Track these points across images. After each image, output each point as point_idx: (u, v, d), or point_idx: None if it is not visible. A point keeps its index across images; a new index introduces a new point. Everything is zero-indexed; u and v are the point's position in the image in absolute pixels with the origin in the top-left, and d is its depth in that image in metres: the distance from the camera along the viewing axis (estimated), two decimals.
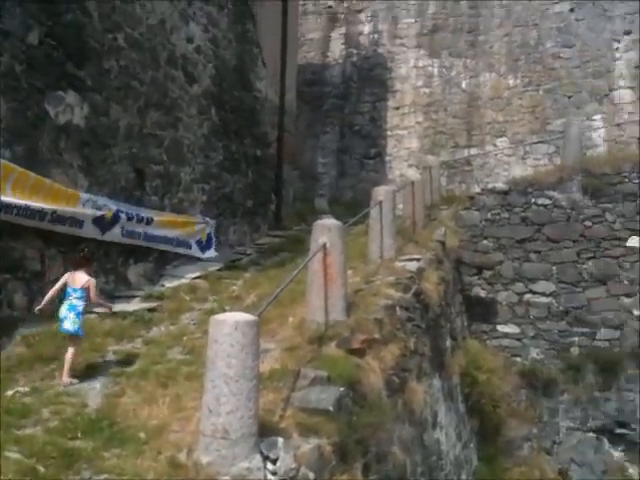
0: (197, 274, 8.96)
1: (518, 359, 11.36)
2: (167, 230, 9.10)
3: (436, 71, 16.58)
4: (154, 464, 3.88)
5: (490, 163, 16.06)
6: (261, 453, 3.77)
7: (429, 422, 7.12)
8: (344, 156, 17.08)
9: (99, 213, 7.65)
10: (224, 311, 6.03)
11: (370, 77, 17.03)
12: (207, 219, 10.18)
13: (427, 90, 16.61)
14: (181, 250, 9.48)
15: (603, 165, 11.78)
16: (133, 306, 7.42)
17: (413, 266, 8.10)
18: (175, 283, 8.59)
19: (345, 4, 17.47)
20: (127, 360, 5.97)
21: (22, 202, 6.45)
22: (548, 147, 15.31)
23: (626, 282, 11.12)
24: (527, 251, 11.66)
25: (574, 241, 11.41)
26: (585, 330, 11.19)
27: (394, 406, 5.82)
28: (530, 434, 10.82)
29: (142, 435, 4.34)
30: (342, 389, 4.78)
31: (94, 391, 5.31)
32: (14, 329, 6.37)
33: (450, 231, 11.36)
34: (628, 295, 11.09)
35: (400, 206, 10.70)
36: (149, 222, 8.61)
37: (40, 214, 6.75)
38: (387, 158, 16.85)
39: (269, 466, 3.77)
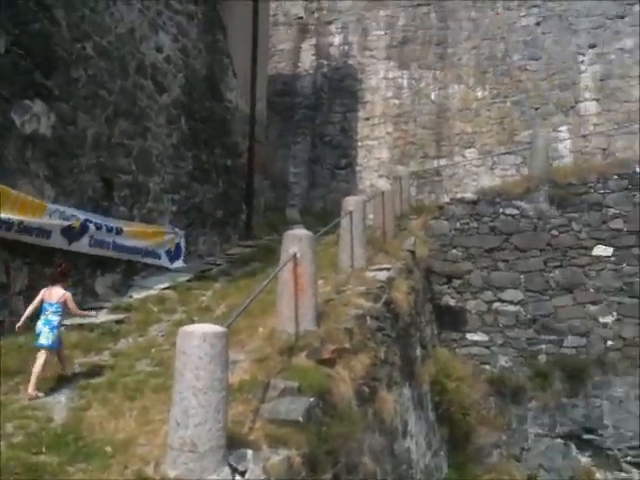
0: (166, 285, 8.89)
1: (487, 367, 11.47)
2: (136, 240, 9.02)
3: (406, 82, 16.76)
4: (120, 478, 3.83)
5: (459, 173, 16.25)
6: (230, 466, 3.73)
7: (399, 431, 7.14)
8: (315, 166, 17.15)
9: (66, 223, 7.56)
10: (193, 322, 5.98)
11: (341, 88, 17.15)
12: (176, 229, 10.13)
13: (397, 101, 16.78)
14: (150, 260, 9.40)
15: (569, 176, 12.00)
16: (101, 318, 7.32)
17: (383, 276, 8.14)
18: (143, 294, 8.50)
19: (315, 15, 17.58)
20: (94, 373, 5.89)
21: None
22: (515, 158, 15.56)
23: (592, 290, 11.31)
24: (495, 260, 11.79)
25: (541, 250, 11.58)
26: (552, 338, 11.35)
27: (364, 416, 5.82)
28: (499, 441, 10.92)
29: (108, 449, 4.28)
30: (312, 399, 4.76)
31: (60, 405, 5.22)
32: None
33: (420, 241, 11.44)
34: (594, 303, 11.29)
35: (370, 216, 10.75)
36: (118, 232, 8.54)
37: (7, 225, 6.65)
38: (358, 168, 16.95)
39: (238, 478, 3.74)
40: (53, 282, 5.73)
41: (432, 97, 16.57)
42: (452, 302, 11.87)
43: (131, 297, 8.44)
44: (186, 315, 7.52)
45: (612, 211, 11.36)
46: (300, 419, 4.47)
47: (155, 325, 7.39)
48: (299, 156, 17.25)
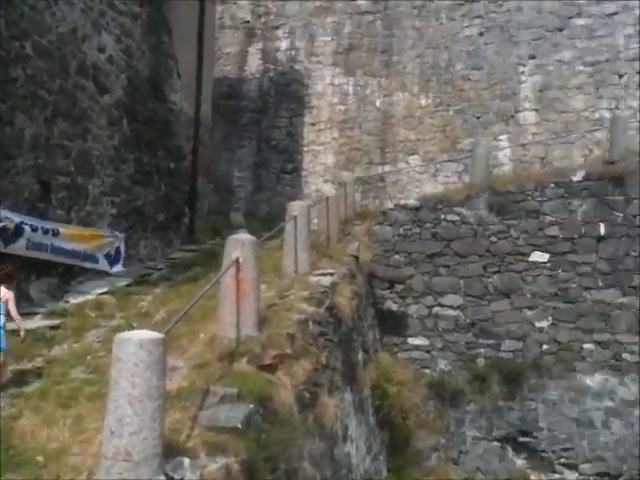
0: (104, 290, 8.70)
1: (427, 371, 11.65)
2: (75, 243, 8.82)
3: (351, 89, 16.89)
4: None
5: (403, 180, 16.46)
6: (166, 475, 3.68)
7: (339, 436, 7.17)
8: (261, 170, 17.10)
9: (0, 225, 7.32)
10: (132, 328, 5.87)
11: (287, 93, 17.16)
12: (116, 233, 9.93)
13: (342, 107, 16.90)
14: (88, 264, 9.19)
15: (508, 183, 12.27)
16: (35, 323, 7.12)
17: (327, 281, 8.18)
18: (80, 299, 8.31)
19: (262, 20, 17.55)
20: (26, 380, 5.71)
21: None
22: (457, 165, 15.86)
23: (529, 295, 11.62)
24: (437, 265, 11.99)
25: (480, 256, 11.83)
26: (490, 342, 11.61)
27: (305, 421, 5.83)
28: (438, 444, 11.11)
29: (40, 459, 4.16)
30: (252, 406, 4.75)
31: None
32: None
33: (364, 246, 11.54)
34: (530, 308, 11.60)
35: (315, 221, 10.81)
36: (55, 234, 8.32)
37: None
38: (303, 173, 16.99)
39: None
40: None
41: (377, 104, 16.75)
42: (394, 307, 12.01)
43: (67, 302, 8.23)
44: (124, 321, 7.38)
45: (548, 218, 11.70)
46: (239, 426, 4.44)
47: (92, 331, 7.22)
48: (244, 160, 17.17)
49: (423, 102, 16.50)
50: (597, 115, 15.49)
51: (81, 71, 9.30)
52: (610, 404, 11.14)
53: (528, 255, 11.68)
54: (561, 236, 11.60)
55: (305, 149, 16.94)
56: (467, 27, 16.42)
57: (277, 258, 8.52)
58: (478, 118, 16.19)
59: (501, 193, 11.92)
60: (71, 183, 9.04)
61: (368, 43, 16.88)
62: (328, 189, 15.33)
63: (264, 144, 17.17)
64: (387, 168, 16.49)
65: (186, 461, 3.86)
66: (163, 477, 3.66)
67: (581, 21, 15.84)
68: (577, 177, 11.76)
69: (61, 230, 8.43)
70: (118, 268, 9.79)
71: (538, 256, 11.66)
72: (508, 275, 11.69)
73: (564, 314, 11.45)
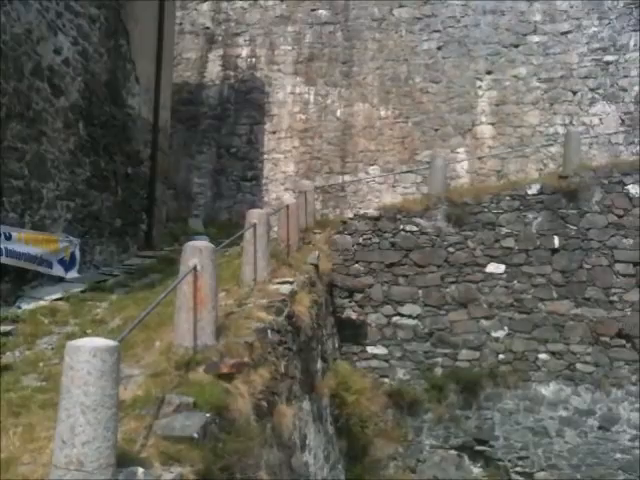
0: (58, 295, 8.48)
1: (386, 380, 11.69)
2: (28, 248, 8.58)
3: (312, 98, 16.95)
4: None
5: (363, 190, 16.56)
6: None
7: (297, 445, 7.12)
8: (220, 177, 16.99)
9: None
10: (86, 335, 5.74)
11: (247, 100, 17.12)
12: (71, 238, 9.70)
13: (303, 116, 16.93)
14: (42, 269, 8.95)
15: (465, 195, 12.45)
16: None
17: (286, 289, 8.13)
18: (33, 305, 8.07)
19: (223, 27, 17.49)
20: None
21: None
22: (416, 176, 16.05)
23: (485, 305, 11.79)
24: (396, 275, 12.07)
25: (438, 266, 11.96)
26: (448, 351, 11.73)
27: (262, 430, 5.76)
28: (396, 453, 11.14)
29: None
30: (208, 415, 4.67)
31: None
32: None
33: (323, 255, 11.55)
34: (487, 318, 11.76)
35: (275, 229, 10.78)
36: (8, 238, 8.09)
37: None
38: (264, 181, 16.95)
39: None
40: None
41: (337, 114, 16.84)
42: (353, 316, 12.02)
43: (19, 308, 7.99)
44: (79, 328, 7.19)
45: (504, 230, 11.90)
46: (195, 435, 4.37)
47: (45, 338, 7.02)
48: (204, 166, 17.04)
49: (383, 113, 16.65)
50: (551, 130, 15.88)
51: (36, 73, 9.08)
52: (564, 413, 11.36)
53: (485, 266, 11.86)
54: (516, 248, 11.82)
55: (265, 157, 16.91)
56: (426, 41, 16.66)
57: (236, 266, 8.45)
58: (436, 130, 16.42)
59: (458, 205, 12.08)
60: (25, 187, 8.80)
61: (329, 53, 16.98)
62: (288, 197, 15.32)
63: (224, 151, 17.07)
64: (347, 178, 16.58)
65: (140, 471, 3.76)
66: None
67: (536, 38, 16.25)
68: (532, 190, 12.01)
69: (14, 234, 8.21)
70: (73, 274, 9.57)
71: (494, 267, 11.84)
72: (465, 285, 11.84)
73: (519, 324, 11.64)
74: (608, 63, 15.92)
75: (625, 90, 15.78)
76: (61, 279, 9.30)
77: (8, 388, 5.50)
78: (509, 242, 11.87)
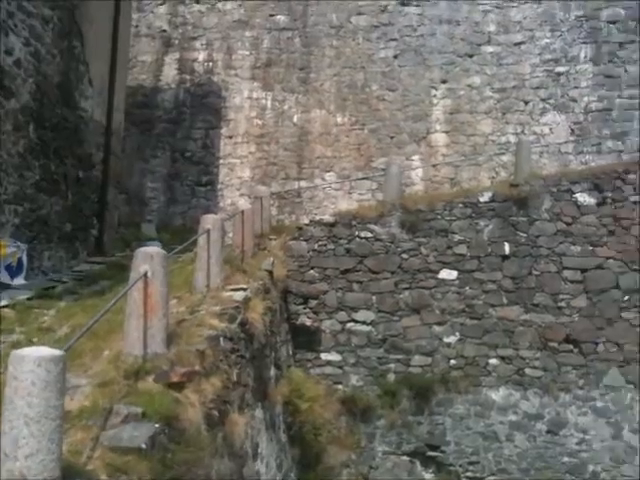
0: (3, 303, 8.22)
1: (339, 386, 11.72)
2: None
3: (269, 104, 16.92)
4: None
5: (319, 196, 16.60)
6: None
7: (249, 454, 7.07)
8: (175, 182, 16.80)
9: None
10: (31, 344, 5.59)
11: (203, 104, 16.98)
12: (19, 243, 9.46)
13: (260, 122, 16.89)
14: None
15: (419, 202, 12.60)
16: None
17: (240, 296, 8.08)
18: None
19: (180, 30, 17.33)
20: None
21: None
22: (371, 183, 16.16)
23: (437, 312, 11.94)
24: (350, 281, 12.13)
25: (392, 272, 12.07)
26: (401, 357, 11.84)
27: (213, 440, 5.71)
28: (349, 460, 11.17)
29: None
30: (157, 425, 4.60)
31: None
32: None
33: (278, 261, 11.52)
34: (439, 324, 11.92)
35: (230, 235, 10.71)
36: None
37: None
38: (219, 186, 16.83)
39: None
40: None
41: (294, 120, 16.85)
42: (308, 322, 12.03)
43: None
44: (24, 336, 6.99)
45: (457, 237, 12.09)
46: (143, 446, 4.30)
47: None
48: (158, 171, 16.82)
49: (339, 120, 16.74)
50: (504, 139, 16.20)
51: None
52: (514, 418, 11.58)
53: (437, 272, 12.02)
54: (468, 254, 12.02)
55: (221, 162, 16.80)
56: (383, 49, 16.82)
57: (189, 272, 8.36)
58: (392, 138, 16.58)
59: (412, 212, 12.22)
60: None
61: (287, 59, 16.99)
62: (244, 203, 15.24)
63: (179, 155, 16.89)
64: (303, 184, 16.59)
65: None
66: None
67: (490, 49, 16.57)
68: (484, 198, 12.24)
69: None
70: (20, 280, 9.32)
71: (447, 273, 12.02)
72: (418, 291, 11.98)
73: (471, 330, 11.83)
74: (559, 74, 16.34)
75: (575, 101, 16.22)
76: (7, 286, 9.05)
77: None
78: (461, 249, 12.06)
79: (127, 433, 4.39)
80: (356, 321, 12.01)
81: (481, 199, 12.24)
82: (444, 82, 16.62)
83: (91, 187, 12.07)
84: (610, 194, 12.03)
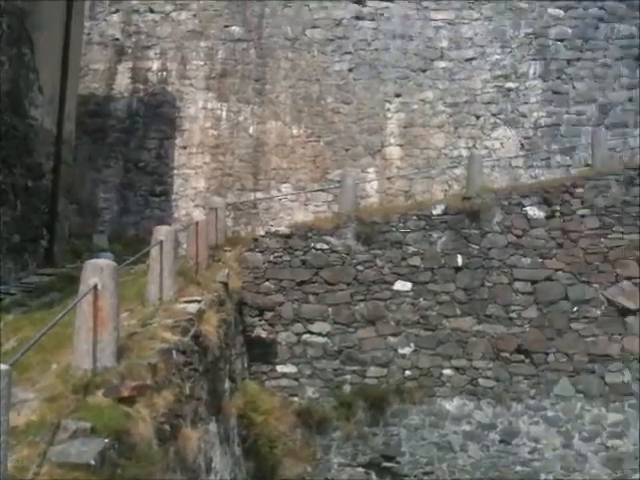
0: None
1: (295, 398, 11.68)
2: None
3: (224, 114, 16.85)
4: None
5: (275, 207, 16.57)
6: None
7: (203, 468, 6.97)
8: (128, 192, 16.53)
9: None
10: None
11: (157, 114, 16.79)
12: None
13: (215, 132, 16.79)
14: None
15: (374, 215, 12.71)
16: None
17: (193, 308, 7.98)
18: None
19: (133, 39, 17.14)
20: None
21: None
22: (327, 195, 16.21)
23: (392, 323, 12.03)
24: (306, 293, 12.13)
25: (348, 284, 12.12)
26: (356, 368, 11.87)
27: (165, 455, 5.60)
28: (304, 472, 11.11)
29: None
30: (107, 441, 4.50)
31: None
32: None
33: (234, 272, 11.44)
34: (394, 335, 12.00)
35: (184, 246, 10.59)
36: None
37: None
38: (173, 197, 16.63)
39: None
40: None
41: (250, 131, 16.81)
42: (263, 334, 11.97)
43: None
44: None
45: (411, 249, 12.23)
46: (92, 462, 4.19)
47: None
48: (110, 180, 16.53)
49: (295, 132, 16.78)
50: (456, 153, 16.48)
51: None
52: (467, 428, 11.71)
53: (392, 284, 12.13)
54: (422, 266, 12.16)
55: (176, 172, 16.61)
56: (338, 62, 16.96)
57: (142, 284, 8.22)
58: (347, 150, 16.69)
59: (368, 224, 12.32)
60: None
61: (242, 70, 16.96)
62: (199, 214, 15.11)
63: (132, 165, 16.64)
64: (259, 195, 16.54)
65: None
66: None
67: (443, 64, 16.88)
68: (437, 211, 12.43)
69: None
70: None
71: (401, 285, 12.13)
72: (374, 303, 12.05)
73: (425, 341, 11.95)
74: (509, 90, 16.75)
75: (525, 116, 16.64)
76: None
77: None
78: (415, 260, 12.19)
79: (75, 449, 4.29)
80: (312, 333, 12.00)
81: (434, 212, 12.42)
82: (398, 96, 16.84)
83: (41, 197, 11.77)
84: (559, 208, 12.35)
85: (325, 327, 12.01)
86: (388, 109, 16.78)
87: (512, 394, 11.79)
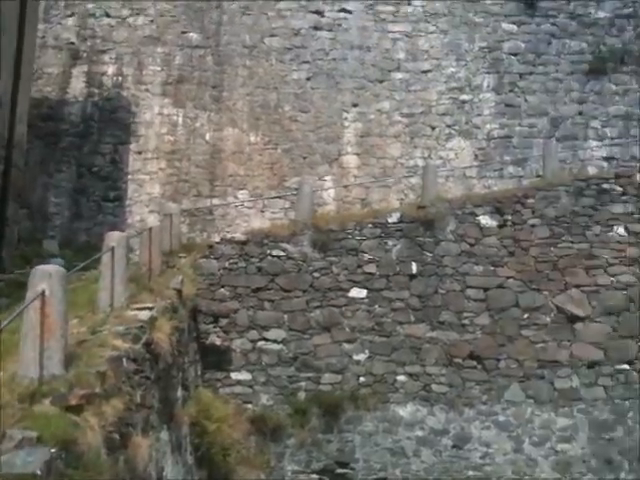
0: None
1: (249, 406, 11.63)
2: None
3: (181, 120, 16.73)
4: None
5: (231, 214, 16.51)
6: None
7: (153, 478, 6.88)
8: (80, 197, 16.24)
9: None
10: None
11: (112, 119, 16.57)
12: None
13: (171, 138, 16.65)
14: None
15: (331, 222, 12.78)
16: None
17: (145, 315, 7.91)
18: None
19: (88, 43, 16.90)
20: None
21: None
22: (284, 202, 16.23)
23: (347, 329, 12.09)
24: (261, 300, 12.11)
25: (304, 291, 12.15)
26: (311, 375, 11.89)
27: (114, 464, 5.53)
28: None
29: None
30: (54, 450, 4.43)
31: None
32: None
33: (188, 279, 11.35)
34: (349, 341, 12.07)
35: (138, 252, 10.47)
36: None
37: None
38: (127, 202, 16.41)
39: None
40: None
41: (207, 137, 16.73)
42: (218, 341, 11.89)
43: None
44: None
45: (367, 256, 12.33)
46: (38, 472, 4.13)
47: None
48: (62, 185, 16.21)
49: (252, 139, 16.76)
50: (412, 162, 16.69)
51: None
52: (420, 433, 11.83)
53: (348, 291, 12.21)
54: (377, 273, 12.28)
55: (130, 177, 16.40)
56: (296, 71, 17.03)
57: (93, 291, 8.10)
58: (305, 158, 16.75)
59: (324, 231, 12.38)
60: None
61: (199, 77, 16.88)
62: (153, 220, 14.96)
63: (85, 170, 16.35)
64: (215, 201, 16.46)
65: None
66: None
67: (399, 75, 17.11)
68: (392, 219, 12.57)
69: None
70: None
71: (357, 292, 12.22)
72: (329, 310, 12.10)
73: (379, 347, 12.04)
74: (464, 102, 17.07)
75: (478, 127, 16.99)
76: None
77: None
78: (371, 268, 12.30)
79: (21, 459, 4.22)
80: (267, 340, 11.99)
81: (390, 220, 12.56)
82: (355, 106, 17.00)
83: None
84: (510, 217, 12.63)
85: (280, 334, 12.00)
86: (345, 118, 16.91)
87: (464, 399, 11.96)
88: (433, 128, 16.94)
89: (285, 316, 12.07)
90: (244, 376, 11.81)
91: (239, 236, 12.76)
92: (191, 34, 17.04)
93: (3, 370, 5.54)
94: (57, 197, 16.15)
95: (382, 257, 12.32)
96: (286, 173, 16.65)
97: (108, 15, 17.03)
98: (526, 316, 12.24)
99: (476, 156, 16.90)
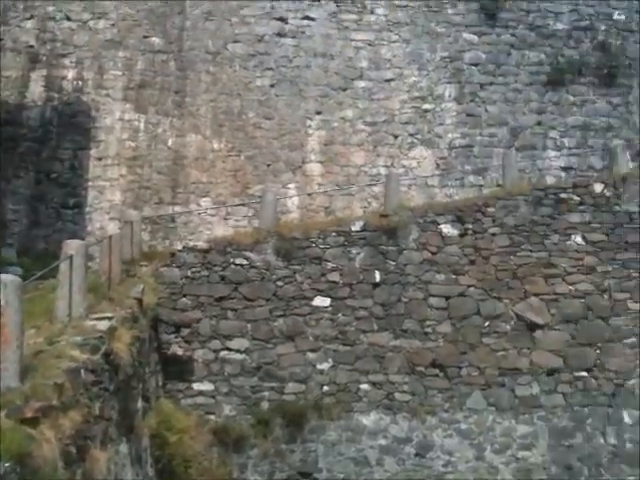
0: None
1: (212, 416, 11.48)
2: None
3: (142, 126, 16.51)
4: None
5: (194, 221, 16.34)
6: None
7: None
8: (39, 204, 15.87)
9: None
10: None
11: (72, 124, 16.25)
12: None
13: (133, 144, 16.42)
14: None
15: (294, 230, 12.74)
16: None
17: (104, 325, 7.74)
18: None
19: (48, 46, 16.57)
20: None
21: None
22: (248, 210, 16.13)
23: (311, 338, 12.05)
24: (224, 309, 11.99)
25: (267, 300, 12.06)
26: (275, 384, 11.80)
27: (71, 477, 5.39)
28: None
29: None
30: (8, 465, 4.29)
31: None
32: None
33: (149, 288, 11.16)
34: (313, 350, 12.02)
35: (98, 261, 10.28)
36: None
37: None
38: (87, 209, 16.10)
39: None
40: None
41: (169, 143, 16.54)
42: (180, 351, 11.73)
43: None
44: None
45: (330, 265, 12.32)
46: None
47: None
48: (20, 192, 15.82)
49: (216, 146, 16.64)
50: (375, 171, 16.79)
51: None
52: (383, 442, 11.84)
53: (311, 299, 12.17)
54: (341, 282, 12.28)
55: (90, 184, 16.10)
56: (259, 77, 16.98)
57: (51, 300, 7.90)
58: (268, 166, 16.70)
59: (287, 239, 12.34)
60: None
61: (161, 82, 16.69)
62: (114, 227, 14.70)
63: (44, 176, 16.00)
64: (178, 209, 16.27)
65: None
66: None
67: (362, 84, 17.21)
68: (356, 227, 12.60)
69: None
70: None
71: (320, 301, 12.20)
72: (293, 319, 12.05)
73: (343, 356, 12.03)
74: (426, 111, 17.25)
75: (440, 137, 17.18)
76: None
77: None
78: (334, 276, 12.29)
79: None
80: (230, 349, 11.86)
81: (353, 228, 12.58)
82: (319, 113, 17.02)
83: None
84: (471, 226, 12.76)
85: (243, 343, 11.89)
86: (309, 126, 16.92)
87: (427, 407, 12.00)
88: (396, 137, 17.07)
89: (248, 325, 11.96)
90: (206, 386, 11.65)
91: (202, 244, 12.63)
92: (153, 39, 16.86)
93: None
94: (15, 204, 15.76)
95: (346, 265, 12.32)
96: (250, 180, 16.56)
97: (69, 18, 16.74)
98: (487, 324, 12.37)
99: (438, 165, 17.07)
